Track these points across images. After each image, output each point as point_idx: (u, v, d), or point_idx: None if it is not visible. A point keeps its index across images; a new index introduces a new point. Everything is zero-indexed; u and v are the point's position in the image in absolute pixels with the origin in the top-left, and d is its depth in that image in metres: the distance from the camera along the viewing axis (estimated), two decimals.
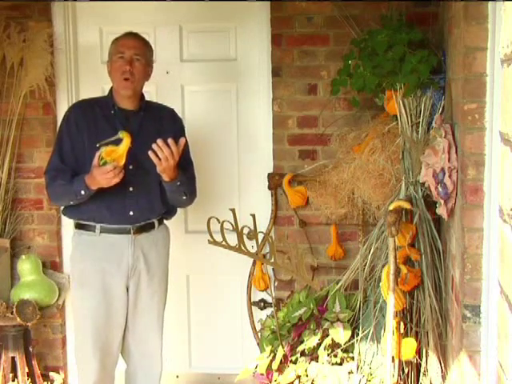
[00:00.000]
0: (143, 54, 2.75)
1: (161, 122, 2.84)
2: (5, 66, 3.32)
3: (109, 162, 2.52)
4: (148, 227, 2.79)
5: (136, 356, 2.89)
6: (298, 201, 3.25)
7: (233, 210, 2.75)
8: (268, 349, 3.02)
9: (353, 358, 2.86)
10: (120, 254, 2.73)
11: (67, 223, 3.34)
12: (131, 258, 2.73)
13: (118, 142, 2.54)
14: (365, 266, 2.91)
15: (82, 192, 2.62)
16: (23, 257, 3.23)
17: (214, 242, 2.78)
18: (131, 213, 2.72)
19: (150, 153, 2.58)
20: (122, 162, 2.53)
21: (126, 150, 2.53)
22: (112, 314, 2.74)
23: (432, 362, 2.65)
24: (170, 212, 2.90)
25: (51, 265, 3.45)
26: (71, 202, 2.72)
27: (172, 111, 2.95)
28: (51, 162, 2.78)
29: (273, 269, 3.32)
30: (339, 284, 3.03)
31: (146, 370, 2.91)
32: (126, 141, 2.52)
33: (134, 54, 2.71)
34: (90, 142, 2.68)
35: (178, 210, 3.27)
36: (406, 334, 2.69)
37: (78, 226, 2.78)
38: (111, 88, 2.81)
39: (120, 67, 2.70)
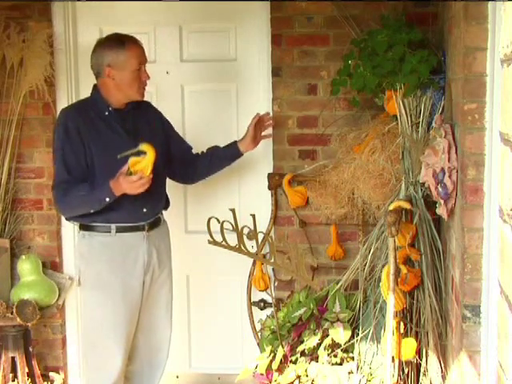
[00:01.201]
0: None
1: (148, 117, 2.90)
2: (5, 66, 3.32)
3: (133, 173, 2.53)
4: (158, 222, 2.84)
5: (143, 349, 2.90)
6: (298, 201, 3.25)
7: (233, 210, 2.76)
8: (268, 349, 3.03)
9: (353, 358, 2.87)
10: (136, 251, 2.75)
11: (67, 223, 3.33)
12: (146, 254, 2.76)
13: (140, 152, 2.54)
14: (365, 266, 2.91)
15: (107, 199, 2.61)
16: (23, 257, 3.23)
17: (214, 242, 2.79)
18: (144, 209, 2.75)
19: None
20: (147, 173, 2.54)
21: (150, 162, 2.53)
22: (131, 310, 2.76)
23: (432, 362, 2.65)
24: (167, 205, 2.96)
25: (51, 265, 3.45)
26: (91, 211, 2.68)
27: (150, 104, 3.01)
28: (58, 176, 2.72)
29: (273, 269, 3.32)
30: (339, 284, 3.03)
31: (152, 361, 2.92)
32: (150, 153, 2.52)
33: (146, 61, 2.78)
34: (96, 146, 2.69)
35: (178, 210, 3.29)
36: (405, 334, 2.69)
37: (89, 228, 2.74)
38: (95, 88, 2.77)
39: (142, 78, 2.73)
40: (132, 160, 2.53)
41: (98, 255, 2.74)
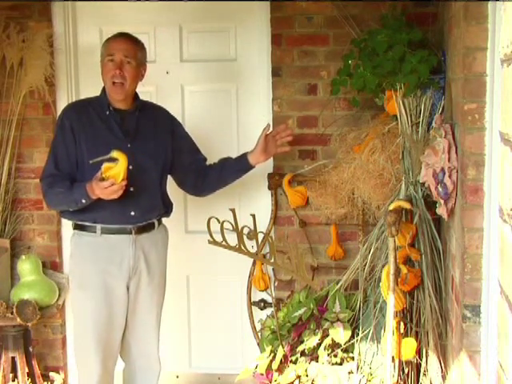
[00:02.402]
0: (134, 56, 2.73)
1: (156, 121, 2.86)
2: (4, 66, 3.32)
3: (106, 179, 2.52)
4: (148, 227, 2.80)
5: (135, 355, 2.89)
6: (298, 201, 3.25)
7: (233, 210, 2.75)
8: (268, 349, 3.02)
9: (353, 358, 2.86)
10: (121, 254, 2.72)
11: (67, 223, 3.32)
12: (132, 259, 2.73)
13: (115, 159, 2.52)
14: (365, 266, 2.91)
15: (83, 201, 2.62)
16: (23, 257, 3.23)
17: (214, 242, 2.78)
18: (132, 213, 2.72)
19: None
20: (119, 180, 2.52)
21: (122, 169, 2.51)
22: (113, 314, 2.74)
23: (432, 362, 2.65)
24: (168, 210, 2.92)
25: (51, 265, 3.45)
26: (70, 209, 2.72)
27: (166, 110, 2.98)
28: (46, 169, 2.76)
29: (273, 269, 3.32)
30: (339, 284, 3.03)
31: (144, 369, 2.91)
32: (122, 161, 2.51)
33: (123, 56, 2.69)
34: (89, 145, 2.69)
35: (178, 210, 3.28)
36: (405, 334, 2.69)
37: (78, 227, 2.76)
38: (104, 88, 2.79)
39: (110, 71, 2.69)
40: (105, 166, 2.51)
41: (83, 255, 2.74)
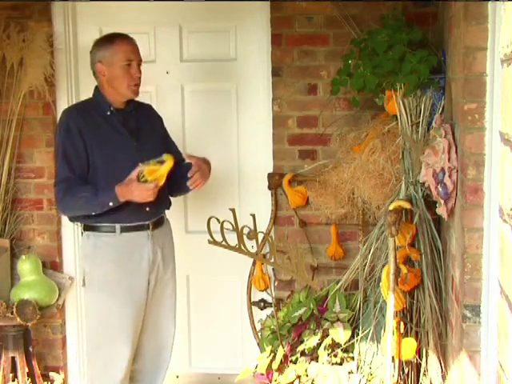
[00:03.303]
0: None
1: (149, 117, 2.90)
2: (5, 66, 3.32)
3: (149, 181, 2.53)
4: (161, 221, 2.84)
5: (147, 347, 2.89)
6: (298, 201, 3.25)
7: (233, 210, 2.75)
8: (268, 349, 3.03)
9: (353, 358, 2.87)
10: (141, 250, 2.75)
11: (67, 223, 3.33)
12: (151, 253, 2.76)
13: (160, 161, 2.54)
14: (365, 266, 2.92)
15: (111, 203, 2.61)
16: (23, 257, 3.23)
17: (214, 242, 2.79)
18: (147, 209, 2.73)
19: (191, 184, 2.71)
20: (162, 182, 2.55)
21: (167, 172, 2.54)
22: (137, 310, 2.75)
23: (432, 362, 2.65)
24: (170, 203, 2.95)
25: (51, 265, 3.45)
26: (92, 213, 2.69)
27: (153, 108, 3.00)
28: (59, 174, 2.73)
29: (273, 269, 3.32)
30: (339, 284, 3.03)
31: (155, 360, 2.92)
32: (169, 163, 2.52)
33: (139, 60, 2.75)
34: (99, 146, 2.69)
35: (178, 210, 3.28)
36: (406, 334, 2.69)
37: (93, 229, 2.73)
38: (97, 89, 2.77)
39: (130, 74, 2.70)
40: (149, 168, 2.52)
41: (104, 255, 2.73)
